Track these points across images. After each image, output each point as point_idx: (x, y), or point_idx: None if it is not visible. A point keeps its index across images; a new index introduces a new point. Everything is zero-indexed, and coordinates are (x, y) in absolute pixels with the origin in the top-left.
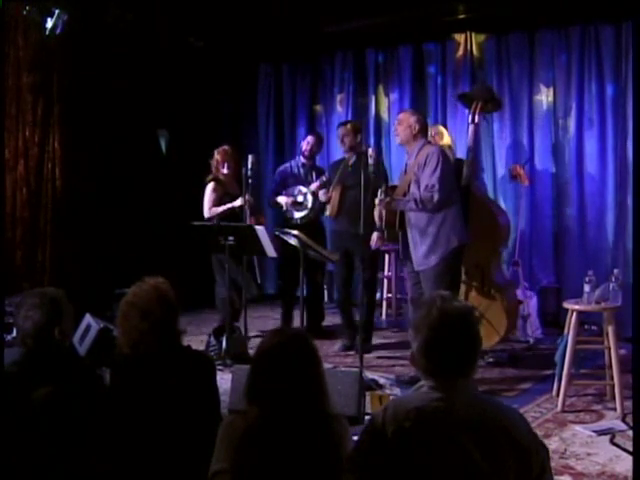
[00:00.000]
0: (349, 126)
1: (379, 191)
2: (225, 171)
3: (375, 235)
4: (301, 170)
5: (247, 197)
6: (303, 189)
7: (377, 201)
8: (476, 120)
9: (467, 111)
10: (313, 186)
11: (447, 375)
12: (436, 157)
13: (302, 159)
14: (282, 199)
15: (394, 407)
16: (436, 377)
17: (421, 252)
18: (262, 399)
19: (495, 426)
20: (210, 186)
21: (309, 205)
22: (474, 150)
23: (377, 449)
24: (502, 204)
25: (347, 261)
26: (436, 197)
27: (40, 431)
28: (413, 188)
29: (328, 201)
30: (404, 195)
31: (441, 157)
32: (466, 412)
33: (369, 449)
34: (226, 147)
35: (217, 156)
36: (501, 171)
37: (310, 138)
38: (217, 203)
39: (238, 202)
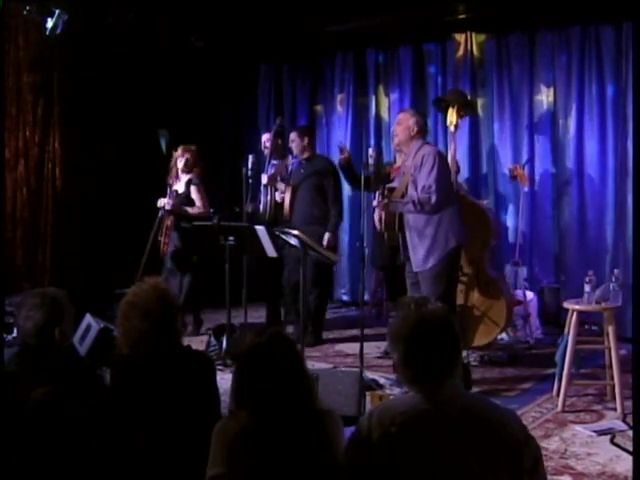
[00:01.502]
0: (292, 134)
1: (377, 193)
2: (179, 164)
3: (327, 235)
4: (272, 169)
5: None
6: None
7: (375, 203)
8: (454, 123)
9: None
10: (264, 180)
11: (432, 380)
12: (432, 158)
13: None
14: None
15: (379, 413)
16: (421, 384)
17: (420, 254)
18: (249, 401)
19: (484, 424)
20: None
21: (263, 196)
22: (454, 151)
23: (364, 456)
24: (502, 204)
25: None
26: (434, 198)
27: (40, 431)
28: (410, 189)
29: (283, 203)
30: (402, 196)
31: (437, 158)
32: (453, 413)
33: (357, 457)
34: (189, 146)
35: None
36: (501, 171)
37: (264, 137)
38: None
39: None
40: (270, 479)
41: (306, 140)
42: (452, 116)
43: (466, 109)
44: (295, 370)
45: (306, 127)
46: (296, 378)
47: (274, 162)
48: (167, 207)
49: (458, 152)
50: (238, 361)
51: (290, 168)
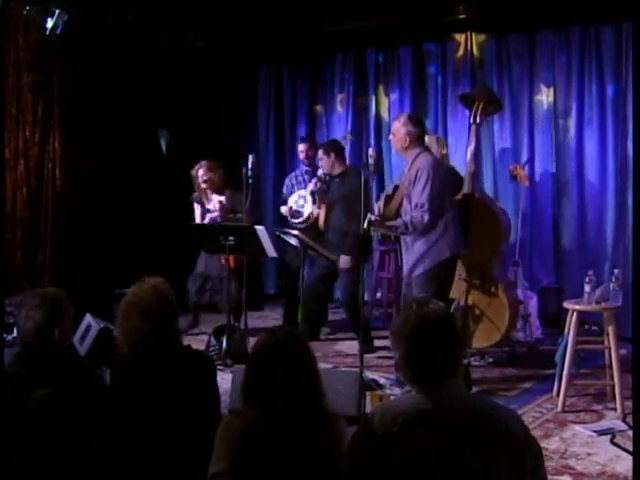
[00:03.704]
0: (319, 153)
1: (377, 205)
2: (202, 185)
3: (343, 258)
4: (305, 177)
5: (221, 199)
6: (302, 192)
7: (365, 225)
8: (477, 121)
9: (468, 112)
10: (311, 186)
11: (434, 379)
12: (426, 173)
13: (304, 166)
14: (283, 209)
15: (382, 413)
16: (423, 383)
17: (411, 261)
18: (258, 400)
19: (485, 424)
20: (194, 205)
21: (310, 204)
22: (475, 150)
23: (367, 455)
24: (502, 204)
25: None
26: (426, 218)
27: (40, 431)
28: (405, 203)
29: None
30: (399, 207)
31: (432, 172)
32: (455, 413)
33: (359, 456)
34: (202, 162)
35: (193, 172)
36: (501, 171)
37: (302, 146)
38: (202, 218)
39: (212, 216)
40: (273, 478)
41: (332, 156)
42: (477, 113)
43: (492, 107)
44: (307, 371)
45: (330, 143)
46: (307, 380)
47: (305, 168)
48: (219, 219)
49: (458, 153)
50: (250, 357)
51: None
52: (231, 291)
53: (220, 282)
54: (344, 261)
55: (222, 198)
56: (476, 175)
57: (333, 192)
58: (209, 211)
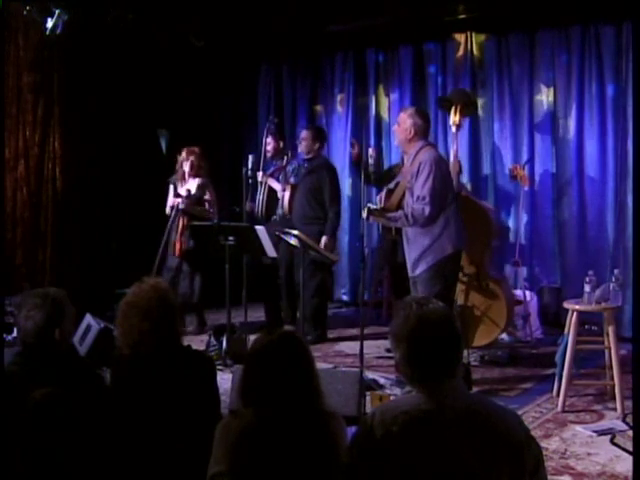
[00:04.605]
0: (305, 132)
1: (379, 196)
2: (184, 168)
3: (324, 238)
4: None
5: (189, 188)
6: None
7: (364, 214)
8: (457, 122)
9: (447, 115)
10: (259, 177)
11: (434, 380)
12: (429, 166)
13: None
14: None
15: (382, 412)
16: (423, 383)
17: (413, 257)
18: (256, 400)
19: (485, 424)
20: (170, 187)
21: (259, 197)
22: (456, 151)
23: (367, 455)
24: (502, 204)
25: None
26: (427, 210)
27: (40, 431)
28: (407, 196)
29: (280, 201)
30: (400, 201)
31: (434, 166)
32: (455, 413)
33: (359, 456)
34: (196, 149)
35: (183, 154)
36: (501, 171)
37: (267, 141)
38: (171, 201)
39: (175, 200)
40: (272, 478)
41: (317, 145)
42: (455, 115)
43: (469, 108)
44: (304, 371)
45: (321, 130)
46: (305, 379)
47: (275, 163)
48: (181, 206)
49: (458, 152)
50: (247, 359)
51: (291, 167)
52: (183, 285)
53: (173, 273)
54: (324, 243)
55: (193, 186)
56: (459, 174)
57: (300, 175)
58: (179, 195)
